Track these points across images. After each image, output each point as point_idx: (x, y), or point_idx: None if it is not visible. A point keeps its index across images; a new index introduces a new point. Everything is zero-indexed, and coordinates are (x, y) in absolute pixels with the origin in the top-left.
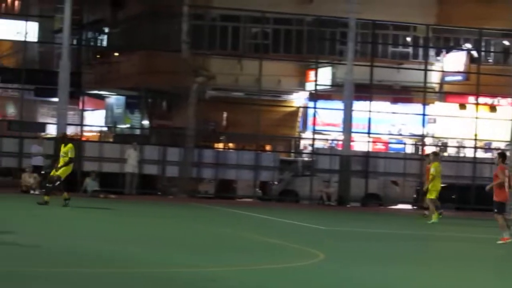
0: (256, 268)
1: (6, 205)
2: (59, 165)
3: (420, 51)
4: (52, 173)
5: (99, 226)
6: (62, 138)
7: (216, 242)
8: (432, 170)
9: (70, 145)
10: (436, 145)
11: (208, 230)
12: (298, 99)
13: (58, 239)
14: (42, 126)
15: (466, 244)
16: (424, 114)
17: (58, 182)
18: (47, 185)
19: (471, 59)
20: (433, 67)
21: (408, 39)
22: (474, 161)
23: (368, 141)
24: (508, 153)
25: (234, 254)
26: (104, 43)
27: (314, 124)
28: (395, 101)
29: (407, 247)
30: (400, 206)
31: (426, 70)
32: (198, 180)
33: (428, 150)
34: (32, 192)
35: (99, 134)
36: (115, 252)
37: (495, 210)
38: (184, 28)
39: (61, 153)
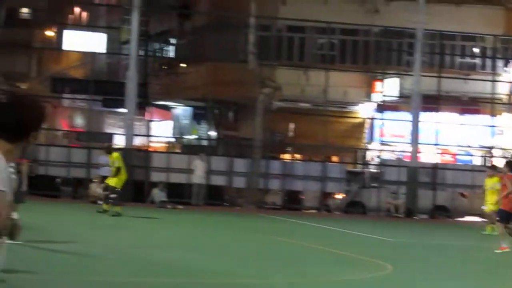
0: (329, 280)
1: (75, 215)
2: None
3: (488, 62)
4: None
5: (170, 236)
6: (107, 149)
7: (286, 253)
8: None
9: (115, 154)
10: (505, 157)
11: (277, 241)
12: (364, 110)
13: (132, 250)
14: (110, 137)
15: None
16: (492, 126)
17: (115, 193)
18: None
19: None
20: (501, 78)
21: (476, 49)
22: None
23: (436, 153)
24: None
25: (306, 266)
26: (171, 54)
27: (381, 135)
28: (462, 112)
29: (477, 260)
30: (468, 218)
31: (494, 81)
32: (265, 191)
33: (496, 162)
34: (100, 202)
35: (166, 144)
36: (189, 262)
37: (498, 218)
38: (250, 39)
39: (110, 163)
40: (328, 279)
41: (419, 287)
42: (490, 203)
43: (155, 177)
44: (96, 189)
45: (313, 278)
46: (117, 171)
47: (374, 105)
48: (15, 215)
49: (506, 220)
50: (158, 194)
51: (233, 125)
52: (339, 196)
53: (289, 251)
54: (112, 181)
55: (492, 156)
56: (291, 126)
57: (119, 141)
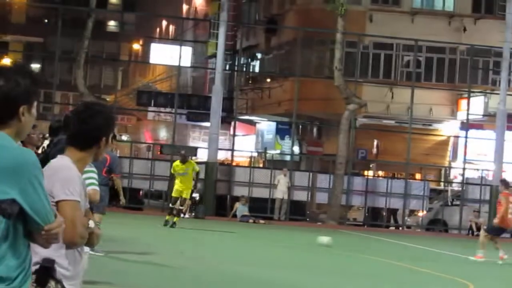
0: None
1: (156, 227)
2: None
3: None
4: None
5: (252, 251)
6: (182, 156)
7: (371, 270)
8: None
9: (192, 162)
10: None
11: (361, 258)
12: (449, 128)
13: (216, 264)
14: (194, 150)
15: None
16: None
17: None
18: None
19: None
20: None
21: None
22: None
23: None
24: None
25: (390, 283)
26: (257, 69)
27: (464, 153)
28: None
29: None
30: None
31: None
32: (347, 207)
33: None
34: (182, 216)
35: (249, 159)
36: (274, 278)
37: (489, 231)
38: (337, 55)
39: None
40: None
41: None
42: None
43: (238, 191)
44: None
45: None
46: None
47: (458, 123)
48: (91, 224)
49: (494, 233)
50: (240, 208)
51: (317, 140)
52: (421, 213)
53: (374, 268)
54: (187, 193)
55: None
56: (375, 142)
57: (202, 155)
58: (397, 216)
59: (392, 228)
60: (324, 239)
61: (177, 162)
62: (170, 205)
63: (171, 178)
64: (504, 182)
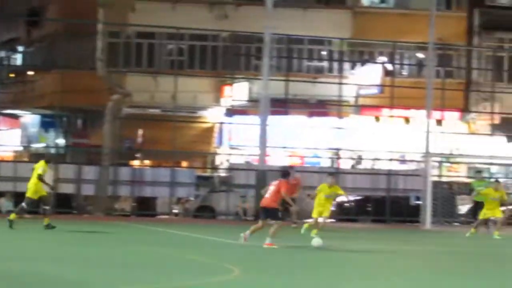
0: (174, 286)
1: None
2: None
3: (335, 65)
4: None
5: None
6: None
7: (132, 260)
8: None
9: None
10: (352, 158)
11: (124, 248)
12: (213, 115)
13: None
14: None
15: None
16: (339, 128)
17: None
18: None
19: (386, 72)
20: (348, 81)
21: (323, 53)
22: (389, 173)
23: (284, 156)
24: (423, 165)
25: (152, 272)
26: (19, 62)
27: (230, 139)
28: (311, 115)
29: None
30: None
31: (341, 83)
32: (114, 198)
33: (344, 163)
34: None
35: (14, 153)
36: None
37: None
38: (99, 46)
39: None
40: (173, 285)
41: (264, 286)
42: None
43: (2, 186)
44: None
45: (158, 285)
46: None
47: (223, 110)
48: None
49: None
50: (5, 204)
51: (83, 132)
52: (189, 201)
53: (136, 258)
54: None
55: (339, 158)
56: (140, 132)
57: None
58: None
59: (161, 217)
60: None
61: None
62: None
63: None
64: (285, 172)
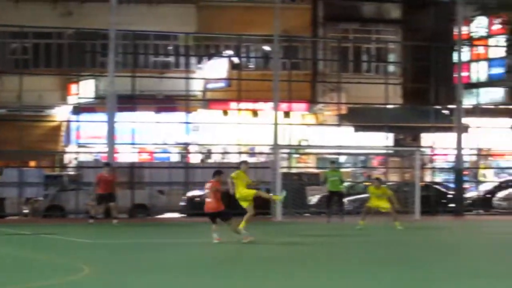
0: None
1: None
2: None
3: (182, 60)
4: None
5: None
6: None
7: None
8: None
9: None
10: (201, 153)
11: None
12: (61, 113)
13: None
14: None
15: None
16: (187, 122)
17: None
18: None
19: (233, 66)
20: (195, 75)
21: (170, 48)
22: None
23: (134, 152)
24: (272, 157)
25: (2, 275)
26: None
27: (78, 137)
28: (159, 110)
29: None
30: (167, 215)
31: (188, 78)
32: None
33: (194, 158)
34: None
35: None
36: None
37: None
38: None
39: None
40: (24, 286)
41: (116, 285)
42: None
43: None
44: None
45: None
46: None
47: (70, 108)
48: None
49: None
50: None
51: None
52: (38, 201)
53: None
54: None
55: (189, 153)
56: None
57: None
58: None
59: (10, 218)
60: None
61: None
62: None
63: None
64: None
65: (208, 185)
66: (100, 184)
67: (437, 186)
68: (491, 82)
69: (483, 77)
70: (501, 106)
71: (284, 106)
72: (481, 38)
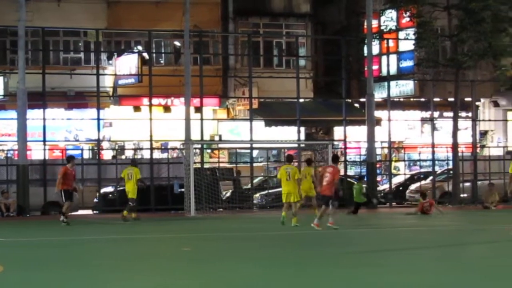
0: None
1: None
2: None
3: (92, 56)
4: None
5: None
6: None
7: None
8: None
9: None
10: (113, 149)
11: None
12: None
13: None
14: None
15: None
16: (99, 119)
17: None
18: None
19: (143, 61)
20: (106, 71)
21: (80, 44)
22: (151, 162)
23: (45, 149)
24: (184, 152)
25: None
26: None
27: None
28: (70, 107)
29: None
30: (80, 212)
31: (98, 74)
32: None
33: (106, 154)
34: None
35: None
36: None
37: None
38: None
39: None
40: None
41: (31, 284)
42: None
43: None
44: None
45: None
46: None
47: None
48: None
49: None
50: None
51: None
52: None
53: None
54: None
55: (101, 149)
56: None
57: None
58: None
59: None
60: None
61: None
62: None
63: None
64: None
65: (330, 169)
66: (66, 179)
67: (349, 180)
68: (401, 75)
69: (393, 70)
70: (411, 99)
71: (196, 101)
72: (390, 31)
